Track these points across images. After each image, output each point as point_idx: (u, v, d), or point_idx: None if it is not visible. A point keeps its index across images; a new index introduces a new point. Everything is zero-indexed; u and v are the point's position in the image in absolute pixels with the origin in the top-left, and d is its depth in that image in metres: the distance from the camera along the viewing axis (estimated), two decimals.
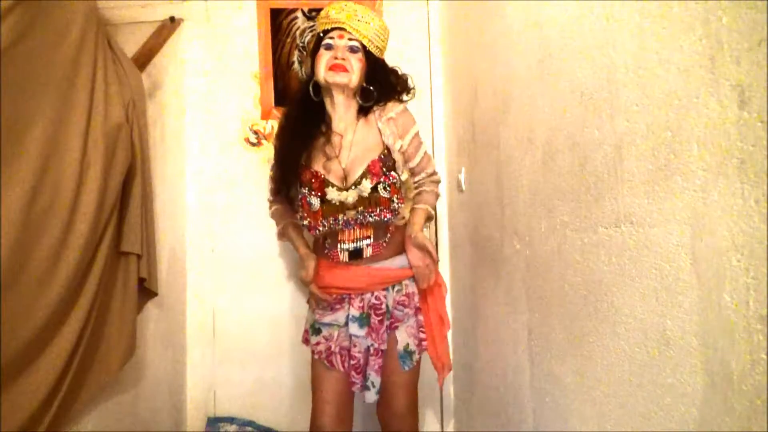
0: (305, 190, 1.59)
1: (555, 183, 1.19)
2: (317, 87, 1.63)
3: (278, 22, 2.27)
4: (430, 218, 1.75)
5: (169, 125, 2.09)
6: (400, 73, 1.71)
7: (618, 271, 0.95)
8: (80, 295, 1.35)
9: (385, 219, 1.59)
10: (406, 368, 1.64)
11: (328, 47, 1.59)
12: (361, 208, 1.57)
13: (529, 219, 1.35)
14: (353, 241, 1.61)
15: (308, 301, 1.78)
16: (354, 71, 1.58)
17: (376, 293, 1.63)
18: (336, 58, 1.57)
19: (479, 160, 1.79)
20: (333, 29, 1.59)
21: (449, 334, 2.21)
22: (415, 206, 1.72)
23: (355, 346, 1.62)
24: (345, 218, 1.58)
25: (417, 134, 1.68)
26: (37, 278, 1.20)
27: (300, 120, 1.66)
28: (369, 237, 1.61)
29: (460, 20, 2.01)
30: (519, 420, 1.45)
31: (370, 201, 1.57)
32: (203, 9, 2.26)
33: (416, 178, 1.74)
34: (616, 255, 0.96)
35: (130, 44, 1.81)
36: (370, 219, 1.58)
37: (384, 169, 1.59)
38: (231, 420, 2.18)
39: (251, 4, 2.27)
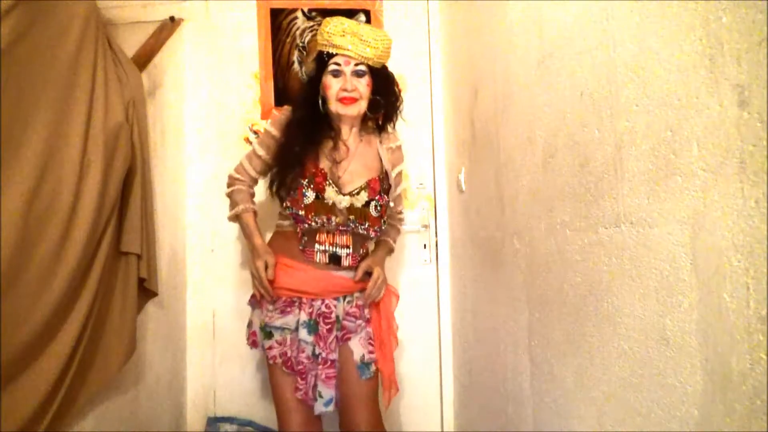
0: (305, 182, 1.59)
1: (555, 183, 1.19)
2: (323, 99, 1.65)
3: (278, 22, 2.27)
4: (391, 251, 1.84)
5: (169, 125, 2.09)
6: (395, 80, 1.72)
7: (618, 271, 0.95)
8: (80, 295, 1.35)
9: (372, 236, 1.67)
10: (365, 378, 1.61)
11: (336, 74, 1.61)
12: (352, 217, 1.60)
13: (529, 219, 1.35)
14: (332, 245, 1.62)
15: (250, 302, 1.74)
16: (363, 97, 1.64)
17: (326, 301, 1.61)
18: (345, 90, 1.60)
19: (479, 160, 1.79)
20: (338, 54, 1.60)
21: (448, 338, 2.23)
22: (381, 238, 1.78)
23: (303, 351, 1.59)
24: (336, 220, 1.60)
25: (401, 172, 1.79)
26: (37, 278, 1.20)
27: (309, 121, 1.66)
28: (348, 246, 1.63)
29: (460, 20, 2.01)
30: (519, 420, 1.45)
31: (359, 213, 1.61)
32: (203, 9, 2.26)
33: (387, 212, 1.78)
34: (616, 255, 0.96)
35: (130, 44, 1.81)
36: (361, 231, 1.63)
37: (381, 190, 1.66)
38: (231, 420, 2.18)
39: (251, 4, 2.27)
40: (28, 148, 1.19)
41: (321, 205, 1.58)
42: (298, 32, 2.27)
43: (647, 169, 0.85)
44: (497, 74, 1.58)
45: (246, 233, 1.72)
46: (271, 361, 1.63)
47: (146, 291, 1.72)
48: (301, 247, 1.63)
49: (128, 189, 1.59)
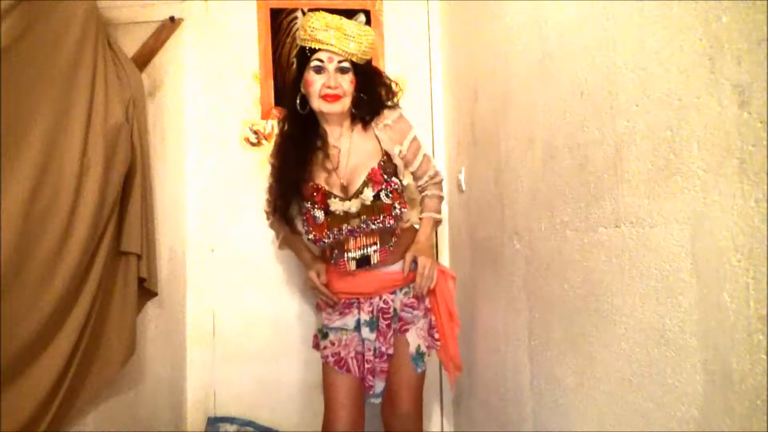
0: (309, 205, 1.60)
1: (555, 183, 1.19)
2: (304, 98, 1.62)
3: (278, 22, 2.27)
4: (438, 224, 1.80)
5: (169, 125, 2.09)
6: (383, 73, 1.72)
7: (618, 271, 0.95)
8: (80, 295, 1.35)
9: (389, 225, 1.61)
10: (419, 370, 1.66)
11: (318, 70, 1.56)
12: (364, 216, 1.58)
13: (529, 219, 1.35)
14: (360, 249, 1.62)
15: (317, 305, 1.78)
16: (347, 94, 1.59)
17: (384, 297, 1.64)
18: (329, 87, 1.55)
19: (479, 160, 1.79)
20: (321, 49, 1.56)
21: None
22: (421, 215, 1.75)
23: (369, 350, 1.63)
24: (349, 227, 1.59)
25: (415, 138, 1.70)
26: (37, 278, 1.20)
27: (295, 138, 1.65)
28: (375, 243, 1.63)
29: (460, 20, 2.01)
30: (519, 420, 1.45)
31: (373, 209, 1.58)
32: (203, 9, 2.26)
33: (419, 183, 1.76)
34: (616, 255, 0.96)
35: (130, 44, 1.81)
36: (374, 226, 1.59)
37: (385, 176, 1.60)
38: (231, 420, 2.18)
39: (251, 4, 2.27)
40: (28, 148, 1.19)
41: (334, 219, 1.59)
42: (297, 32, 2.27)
43: (647, 169, 0.85)
44: (497, 74, 1.58)
45: (295, 253, 1.84)
46: (323, 360, 1.68)
47: (146, 291, 1.72)
48: (332, 262, 1.66)
49: (128, 189, 1.58)
